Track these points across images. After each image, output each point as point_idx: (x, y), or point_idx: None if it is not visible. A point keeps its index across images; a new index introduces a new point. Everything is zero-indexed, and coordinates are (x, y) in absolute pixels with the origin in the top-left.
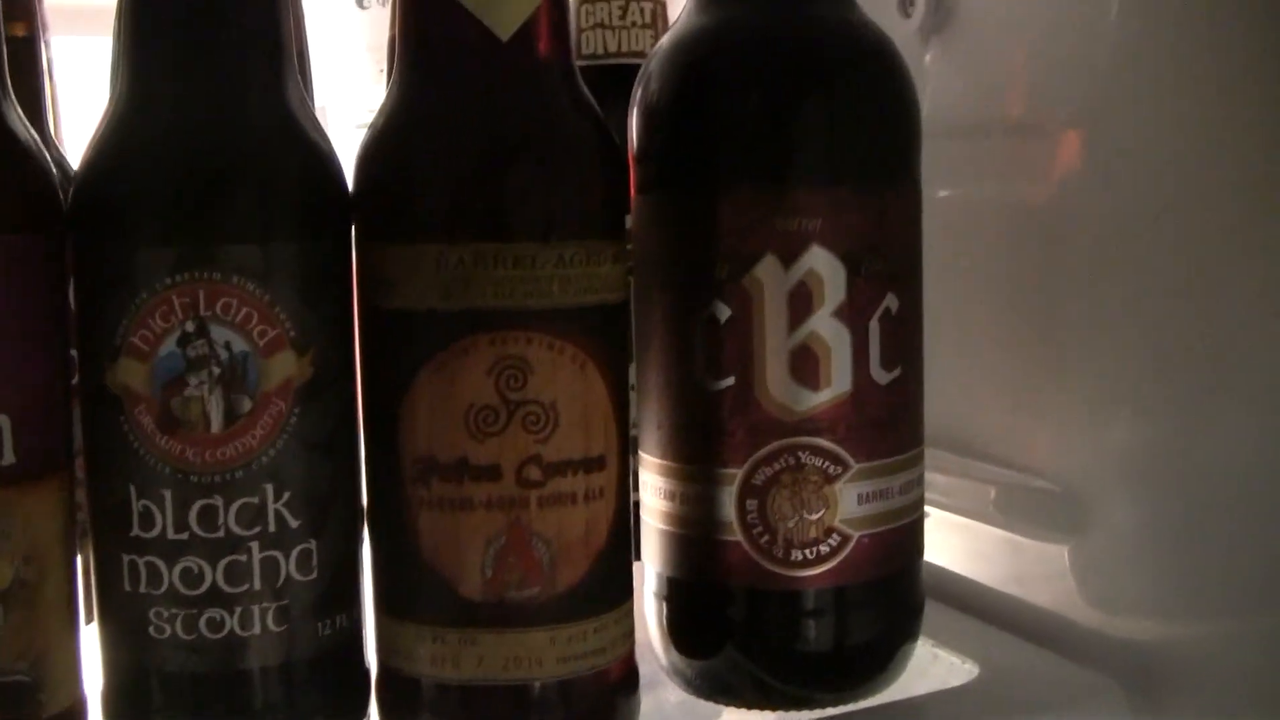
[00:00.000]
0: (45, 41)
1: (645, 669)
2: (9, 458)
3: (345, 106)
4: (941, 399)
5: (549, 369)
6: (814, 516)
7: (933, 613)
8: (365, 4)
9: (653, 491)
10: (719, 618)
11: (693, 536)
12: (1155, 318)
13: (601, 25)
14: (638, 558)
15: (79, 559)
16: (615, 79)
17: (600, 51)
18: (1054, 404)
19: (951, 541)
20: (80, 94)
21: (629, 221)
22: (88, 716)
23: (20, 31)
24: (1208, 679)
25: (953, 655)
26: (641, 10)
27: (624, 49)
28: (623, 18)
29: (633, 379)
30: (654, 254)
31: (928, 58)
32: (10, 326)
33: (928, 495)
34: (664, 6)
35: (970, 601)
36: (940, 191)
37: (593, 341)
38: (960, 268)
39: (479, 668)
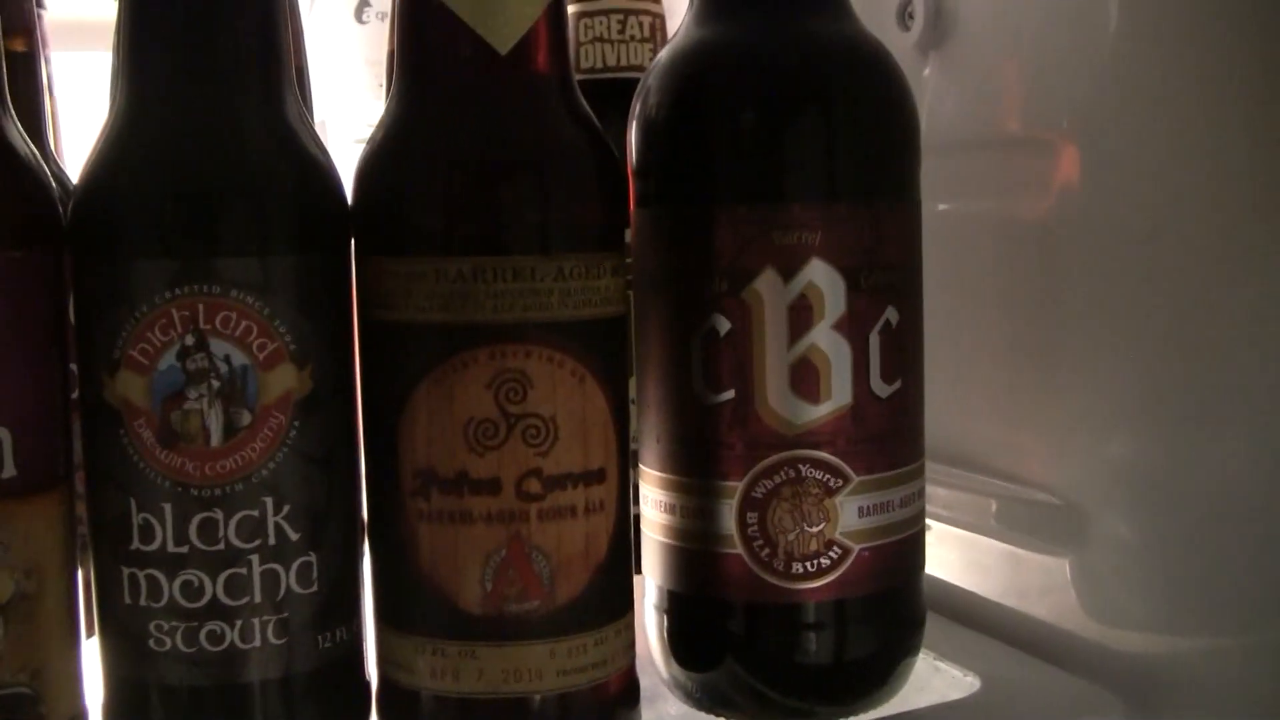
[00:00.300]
0: (45, 58)
1: (646, 682)
2: (9, 470)
3: (344, 120)
4: (941, 413)
5: (549, 382)
6: (814, 529)
7: (934, 625)
8: (364, 18)
9: (653, 505)
10: (719, 630)
11: (693, 549)
12: (1152, 332)
13: (600, 39)
14: (638, 571)
15: (79, 573)
16: (614, 93)
17: (599, 65)
18: (1052, 418)
19: (952, 555)
20: (81, 109)
21: (628, 236)
22: None
23: (20, 46)
24: (1207, 692)
25: (954, 668)
26: (640, 24)
27: (623, 63)
28: (621, 32)
29: (633, 393)
30: (653, 268)
31: (926, 72)
32: (10, 340)
33: (929, 508)
34: (663, 20)
35: (971, 614)
36: (938, 205)
37: (592, 354)
38: (959, 282)
39: (479, 681)
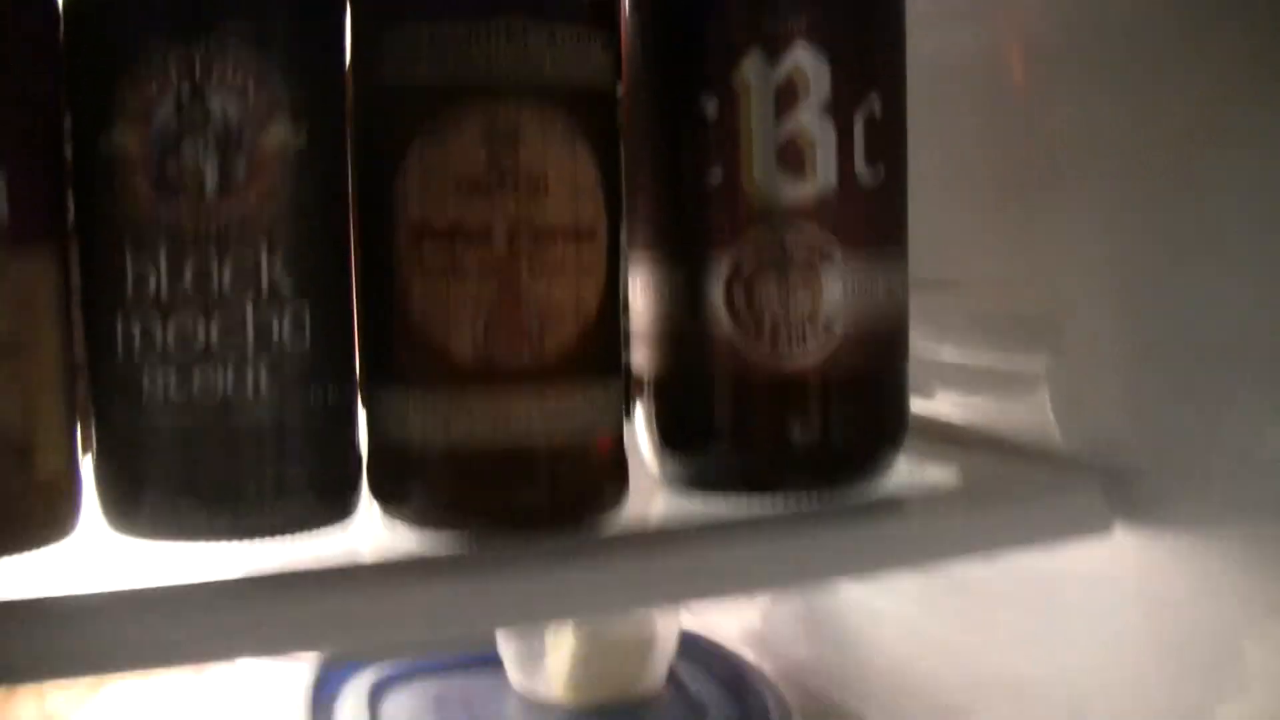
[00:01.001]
0: None
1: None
2: (3, 212)
3: None
4: (924, 231)
5: (540, 139)
6: (799, 305)
7: (917, 439)
8: None
9: (640, 288)
10: (705, 410)
11: (680, 329)
12: (1135, 143)
13: None
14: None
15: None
16: None
17: None
18: (1034, 229)
19: (931, 374)
20: None
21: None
22: (80, 481)
23: None
24: (1180, 479)
25: (937, 468)
26: None
27: None
28: None
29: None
30: (643, 58)
31: None
32: (7, 88)
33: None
34: None
35: (952, 430)
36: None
37: (583, 118)
38: (946, 109)
39: (469, 430)
